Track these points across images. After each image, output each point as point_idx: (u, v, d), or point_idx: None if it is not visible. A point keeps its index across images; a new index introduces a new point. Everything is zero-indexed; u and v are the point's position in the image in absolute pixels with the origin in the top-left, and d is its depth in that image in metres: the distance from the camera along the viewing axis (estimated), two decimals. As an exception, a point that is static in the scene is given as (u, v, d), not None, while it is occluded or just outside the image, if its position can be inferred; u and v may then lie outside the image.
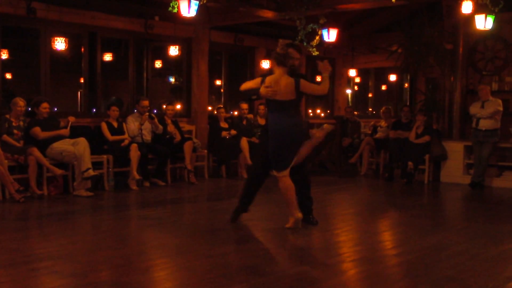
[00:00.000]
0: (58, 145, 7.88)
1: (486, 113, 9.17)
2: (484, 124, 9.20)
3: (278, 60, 5.70)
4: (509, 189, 9.11)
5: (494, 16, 8.43)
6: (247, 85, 6.00)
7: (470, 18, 8.79)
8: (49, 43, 8.74)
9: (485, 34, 9.74)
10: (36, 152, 7.51)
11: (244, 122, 10.62)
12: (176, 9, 7.46)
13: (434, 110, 10.42)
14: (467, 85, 10.22)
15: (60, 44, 8.76)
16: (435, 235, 5.77)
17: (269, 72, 6.13)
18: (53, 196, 7.75)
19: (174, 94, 11.45)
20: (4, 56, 11.38)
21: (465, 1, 8.11)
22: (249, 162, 10.00)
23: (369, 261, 4.82)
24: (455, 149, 9.82)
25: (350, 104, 14.27)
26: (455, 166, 9.81)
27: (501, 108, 9.23)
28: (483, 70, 10.31)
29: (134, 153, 8.51)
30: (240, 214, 6.13)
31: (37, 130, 7.90)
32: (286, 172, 5.70)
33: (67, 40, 8.82)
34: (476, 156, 9.31)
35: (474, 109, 9.37)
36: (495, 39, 10.13)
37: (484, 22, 8.41)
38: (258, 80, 5.88)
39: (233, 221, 6.08)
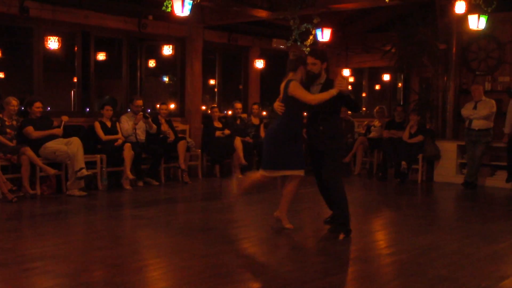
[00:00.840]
0: (51, 145, 7.85)
1: (479, 115, 9.19)
2: (477, 124, 9.23)
3: (288, 66, 5.69)
4: (502, 188, 9.13)
5: (487, 16, 8.46)
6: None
7: (463, 18, 8.82)
8: (42, 42, 8.72)
9: (478, 34, 9.77)
10: (29, 151, 7.47)
11: (238, 122, 10.63)
12: (169, 8, 7.44)
13: (427, 109, 10.44)
14: (461, 84, 10.27)
15: (53, 43, 8.73)
16: (428, 235, 5.79)
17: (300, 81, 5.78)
18: (46, 196, 7.72)
19: (174, 96, 11.44)
20: (-3, 55, 11.37)
21: (458, 1, 8.13)
22: (243, 161, 10.00)
23: (363, 261, 4.84)
24: (448, 149, 9.86)
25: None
26: (449, 165, 9.84)
27: (494, 110, 9.26)
28: (476, 70, 10.35)
29: (128, 153, 8.49)
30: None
31: (30, 129, 7.86)
32: (268, 173, 5.63)
33: (60, 39, 8.80)
34: (469, 156, 9.33)
35: (466, 111, 9.39)
36: (488, 39, 10.17)
37: (477, 22, 8.43)
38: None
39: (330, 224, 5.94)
